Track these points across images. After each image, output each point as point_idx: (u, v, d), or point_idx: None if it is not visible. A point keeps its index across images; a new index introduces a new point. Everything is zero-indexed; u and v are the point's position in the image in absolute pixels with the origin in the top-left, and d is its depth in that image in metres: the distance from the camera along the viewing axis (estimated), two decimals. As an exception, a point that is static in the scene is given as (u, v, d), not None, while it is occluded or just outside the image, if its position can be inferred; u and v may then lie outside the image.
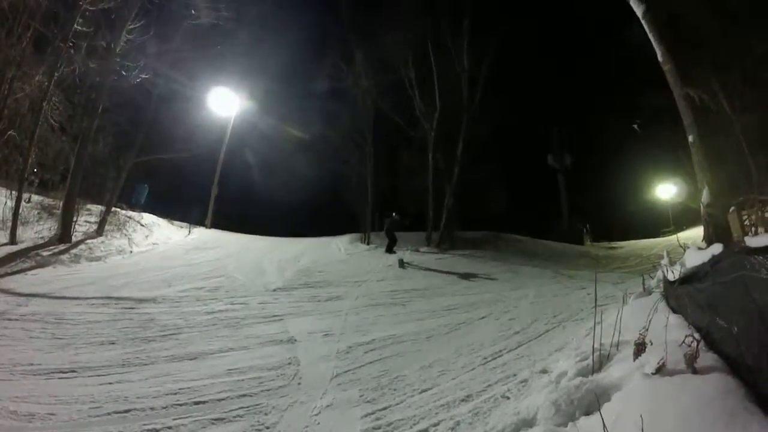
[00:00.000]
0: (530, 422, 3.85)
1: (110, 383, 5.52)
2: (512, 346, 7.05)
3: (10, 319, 7.77)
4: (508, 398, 4.95)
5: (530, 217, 26.09)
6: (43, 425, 4.40)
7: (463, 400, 5.07)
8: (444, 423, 4.58)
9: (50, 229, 15.06)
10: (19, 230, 14.13)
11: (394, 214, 18.85)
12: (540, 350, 6.65)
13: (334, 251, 18.47)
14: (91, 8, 15.31)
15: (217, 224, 22.37)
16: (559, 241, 25.24)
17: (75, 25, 15.14)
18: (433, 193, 22.33)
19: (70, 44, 15.32)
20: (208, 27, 18.83)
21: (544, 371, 5.39)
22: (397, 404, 5.11)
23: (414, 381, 5.73)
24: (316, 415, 4.87)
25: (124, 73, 16.55)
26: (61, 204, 15.61)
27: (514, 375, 5.66)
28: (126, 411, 4.77)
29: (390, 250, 17.60)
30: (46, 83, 15.29)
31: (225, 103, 23.81)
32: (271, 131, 24.97)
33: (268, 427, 4.63)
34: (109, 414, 4.68)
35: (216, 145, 23.69)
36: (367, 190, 22.73)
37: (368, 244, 20.57)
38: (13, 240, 13.71)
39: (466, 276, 13.83)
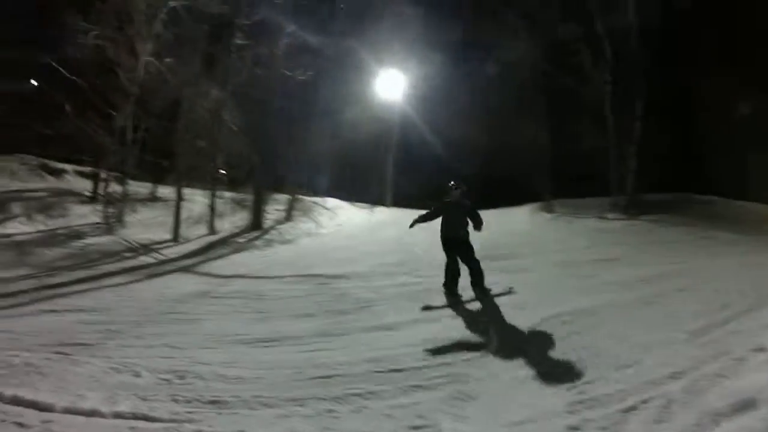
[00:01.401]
0: (752, 403, 3.51)
1: (311, 351, 5.83)
2: (719, 321, 5.98)
3: (215, 297, 8.97)
4: (725, 377, 4.14)
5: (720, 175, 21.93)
6: (252, 387, 4.69)
7: (670, 377, 4.39)
8: (654, 400, 3.96)
9: (243, 220, 17.58)
10: (217, 222, 16.89)
11: (452, 184, 8.94)
12: (751, 326, 5.64)
13: (516, 222, 17.98)
14: (246, 22, 17.92)
15: (396, 203, 23.07)
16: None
17: (235, 40, 17.92)
18: (611, 153, 20.25)
19: (236, 56, 18.05)
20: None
21: (761, 348, 4.65)
22: (598, 379, 4.59)
23: (613, 355, 5.10)
24: (513, 387, 4.56)
25: (289, 73, 18.45)
26: (250, 196, 18.33)
27: (727, 352, 4.74)
28: (328, 376, 4.93)
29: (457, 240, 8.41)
30: (221, 94, 18.08)
31: (393, 85, 24.23)
32: (439, 107, 24.78)
33: (469, 396, 4.43)
34: (312, 378, 4.88)
35: (388, 126, 24.31)
36: (543, 157, 21.46)
37: (550, 213, 19.56)
38: (212, 231, 16.54)
39: (656, 243, 12.94)
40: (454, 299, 7.82)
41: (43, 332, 6.62)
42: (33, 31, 17.99)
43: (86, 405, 4.11)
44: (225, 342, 6.23)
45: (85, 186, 20.51)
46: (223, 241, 15.12)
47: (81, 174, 22.19)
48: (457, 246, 8.22)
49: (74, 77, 17.56)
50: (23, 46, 18.03)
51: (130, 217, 17.17)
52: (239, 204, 18.65)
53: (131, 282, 10.62)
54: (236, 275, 10.89)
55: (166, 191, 19.45)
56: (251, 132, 18.99)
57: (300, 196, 19.73)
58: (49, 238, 15.46)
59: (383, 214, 20.48)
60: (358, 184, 22.99)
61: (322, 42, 19.59)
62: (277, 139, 19.45)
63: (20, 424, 3.77)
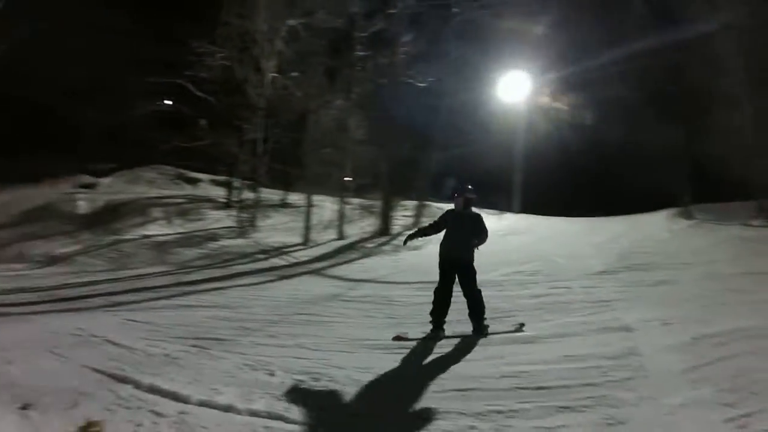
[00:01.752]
0: None
1: (446, 362, 5.57)
2: None
3: (345, 300, 9.17)
4: None
5: None
6: (388, 396, 4.54)
7: None
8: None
9: (371, 225, 18.23)
10: (345, 227, 17.62)
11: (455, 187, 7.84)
12: None
13: (654, 230, 16.68)
14: (363, 34, 18.89)
15: (524, 208, 22.37)
16: None
17: (355, 52, 18.97)
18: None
19: (358, 68, 19.13)
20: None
21: None
22: (761, 411, 3.86)
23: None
24: (669, 414, 3.96)
25: (410, 81, 18.92)
26: (378, 202, 18.96)
27: None
28: (467, 390, 4.61)
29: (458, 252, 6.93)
30: (346, 104, 19.28)
31: (517, 87, 23.51)
32: (568, 108, 23.72)
33: (621, 422, 3.91)
34: (451, 391, 4.59)
35: (512, 130, 23.64)
36: (680, 156, 19.61)
37: (690, 219, 17.84)
38: (341, 235, 17.29)
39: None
40: (441, 333, 6.58)
41: (181, 325, 7.05)
42: (166, 53, 19.61)
43: (222, 400, 4.17)
44: (358, 346, 6.17)
45: (219, 193, 22.16)
46: (352, 246, 15.78)
47: (215, 182, 24.14)
48: (458, 268, 6.70)
49: (206, 95, 19.30)
50: (169, 68, 19.76)
51: (262, 222, 18.19)
52: (367, 210, 19.20)
53: (264, 282, 11.11)
54: (365, 279, 11.18)
55: (295, 198, 20.42)
56: (377, 139, 19.34)
57: (427, 202, 19.80)
58: (187, 240, 16.83)
59: (511, 220, 19.89)
60: (485, 190, 22.57)
61: (440, 48, 19.85)
62: (402, 146, 19.62)
63: (156, 413, 3.90)
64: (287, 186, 21.83)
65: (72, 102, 24.95)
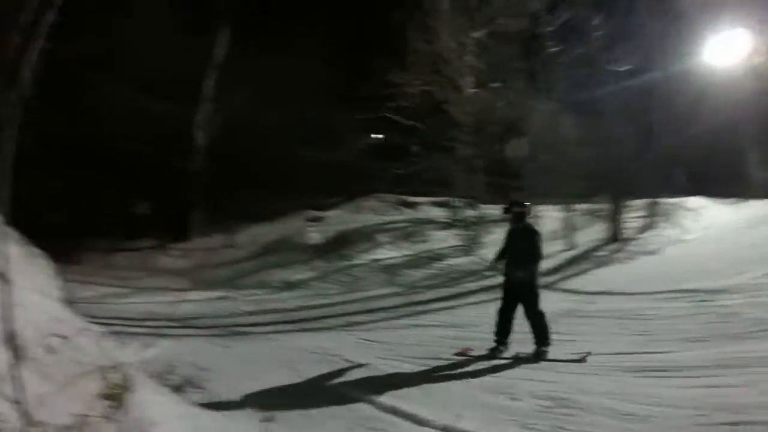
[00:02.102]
0: None
1: (708, 386, 4.71)
2: None
3: (583, 316, 8.47)
4: None
5: None
6: (647, 428, 3.93)
7: None
8: None
9: (600, 231, 16.90)
10: (573, 236, 16.69)
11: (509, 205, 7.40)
12: None
13: None
14: (550, 29, 18.12)
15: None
16: None
17: (548, 50, 18.20)
18: None
19: (554, 64, 18.18)
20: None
21: None
22: None
23: None
24: None
25: (612, 68, 17.47)
26: (605, 206, 17.58)
27: None
28: (735, 423, 3.82)
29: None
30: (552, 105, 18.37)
31: (730, 48, 19.75)
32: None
33: None
34: (717, 425, 3.83)
35: (735, 100, 20.06)
36: None
37: None
38: (569, 246, 16.31)
39: None
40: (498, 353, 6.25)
41: (415, 345, 7.07)
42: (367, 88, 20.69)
43: (464, 425, 4.00)
44: (606, 368, 5.56)
45: (440, 214, 22.65)
46: (583, 256, 14.87)
47: (435, 204, 24.70)
48: (518, 289, 6.36)
49: (412, 122, 20.23)
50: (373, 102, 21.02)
51: (485, 238, 18.09)
52: (594, 215, 17.96)
53: (493, 300, 10.82)
54: (601, 292, 10.26)
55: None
56: (593, 137, 18.11)
57: (658, 200, 17.88)
58: (414, 261, 17.40)
59: (750, 209, 17.21)
60: (715, 176, 19.69)
61: (635, 24, 17.72)
62: (620, 141, 18.02)
63: None
64: (507, 199, 21.42)
65: (293, 144, 28.13)
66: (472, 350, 6.47)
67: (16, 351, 2.41)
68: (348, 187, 31.25)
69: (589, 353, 5.95)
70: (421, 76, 19.54)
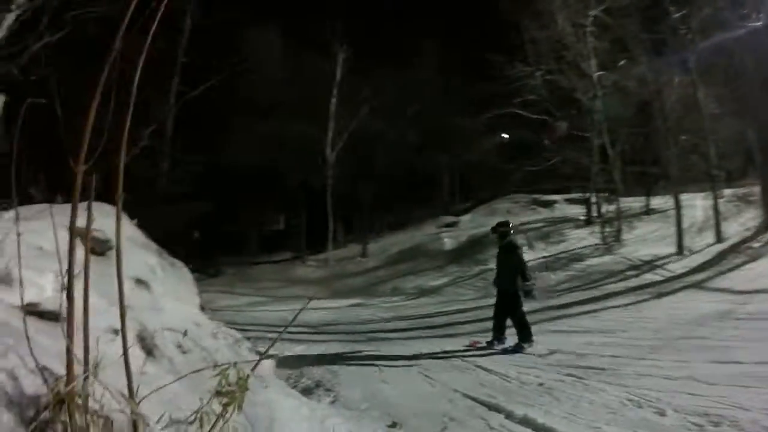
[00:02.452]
0: None
1: None
2: None
3: (739, 318, 7.57)
4: None
5: None
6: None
7: None
8: None
9: (753, 219, 15.11)
10: (723, 226, 15.05)
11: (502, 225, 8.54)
12: None
13: None
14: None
15: None
16: None
17: (672, 15, 16.39)
18: None
19: (682, 31, 16.40)
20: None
21: None
22: None
23: None
24: None
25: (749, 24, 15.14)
26: (757, 189, 15.79)
27: None
28: None
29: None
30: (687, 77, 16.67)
31: None
32: None
33: None
34: None
35: None
36: None
37: None
38: (718, 237, 14.78)
39: None
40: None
41: (553, 353, 6.73)
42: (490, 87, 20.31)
43: None
44: (763, 380, 4.79)
45: (577, 211, 21.66)
46: (734, 249, 13.27)
47: (571, 201, 23.86)
48: (505, 296, 7.85)
49: (540, 116, 19.76)
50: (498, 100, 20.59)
51: (627, 235, 16.98)
52: (744, 200, 16.07)
53: (637, 302, 10.18)
54: (759, 290, 9.14)
55: (659, 201, 18.59)
56: (740, 109, 16.21)
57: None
58: (551, 263, 16.75)
59: None
60: None
61: None
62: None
63: None
64: (648, 190, 19.99)
65: (420, 152, 28.35)
66: (479, 342, 7.76)
67: (149, 350, 2.60)
68: (480, 190, 31.14)
69: (556, 350, 6.52)
70: (542, 66, 18.88)
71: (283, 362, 7.60)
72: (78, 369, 1.45)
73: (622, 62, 17.69)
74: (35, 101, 1.68)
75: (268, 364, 6.53)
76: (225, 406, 1.87)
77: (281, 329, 11.28)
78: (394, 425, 4.17)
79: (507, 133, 23.91)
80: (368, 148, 26.36)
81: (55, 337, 1.60)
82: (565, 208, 24.03)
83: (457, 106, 26.21)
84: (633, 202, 19.46)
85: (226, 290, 20.88)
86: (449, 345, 7.98)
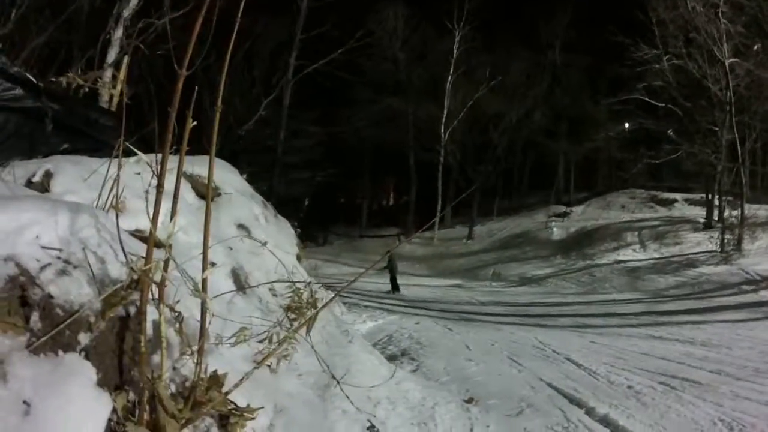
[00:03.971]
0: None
1: None
2: None
3: None
4: None
5: None
6: None
7: None
8: None
9: None
10: None
11: None
12: None
13: None
14: None
15: None
16: None
17: None
18: None
19: None
20: None
21: None
22: None
23: None
24: None
25: None
26: None
27: None
28: None
29: None
30: None
31: None
32: None
33: None
34: None
35: None
36: None
37: None
38: None
39: None
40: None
41: (650, 357, 6.37)
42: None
43: None
44: None
45: (696, 213, 20.23)
46: None
47: (691, 202, 22.34)
48: None
49: (665, 104, 17.96)
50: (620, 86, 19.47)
51: (748, 245, 15.50)
52: None
53: (749, 320, 9.34)
54: None
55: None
56: None
57: None
58: (662, 266, 15.81)
59: None
60: None
61: None
62: None
63: None
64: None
65: (538, 137, 27.58)
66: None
67: (241, 285, 2.81)
68: (597, 181, 29.95)
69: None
70: (670, 49, 17.34)
71: (375, 329, 7.86)
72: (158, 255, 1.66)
73: (757, 47, 15.90)
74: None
75: (360, 327, 6.82)
76: (292, 321, 1.98)
77: (379, 300, 11.67)
78: (470, 401, 4.20)
79: (629, 122, 22.53)
80: (485, 129, 26.11)
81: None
82: (685, 208, 22.47)
83: (580, 90, 25.24)
84: (759, 209, 17.64)
85: (332, 259, 21.66)
86: (544, 336, 7.81)
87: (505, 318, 10.02)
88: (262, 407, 1.88)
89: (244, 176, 4.64)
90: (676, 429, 3.85)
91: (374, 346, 5.35)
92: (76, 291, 1.52)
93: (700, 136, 17.45)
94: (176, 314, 1.68)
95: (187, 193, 3.32)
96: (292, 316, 1.99)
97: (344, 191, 33.74)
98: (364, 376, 3.40)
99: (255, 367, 1.81)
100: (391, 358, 5.54)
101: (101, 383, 1.49)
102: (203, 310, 1.67)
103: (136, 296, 1.63)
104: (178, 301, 1.69)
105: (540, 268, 18.78)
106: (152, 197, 2.15)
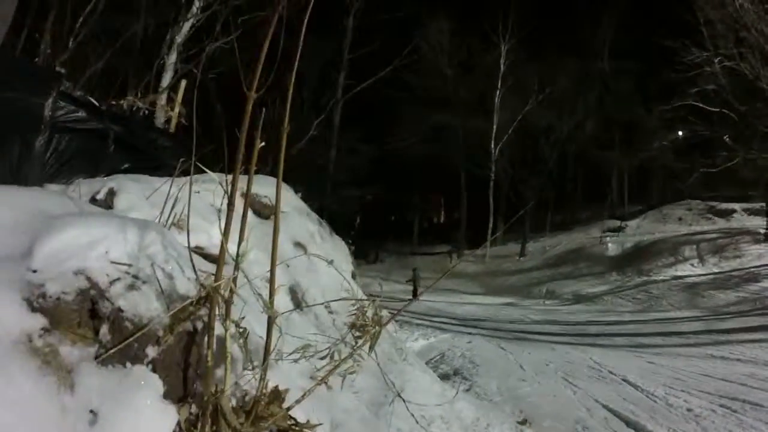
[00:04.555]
0: None
1: None
2: None
3: None
4: None
5: None
6: None
7: None
8: None
9: None
10: None
11: None
12: None
13: None
14: None
15: None
16: None
17: None
18: None
19: None
20: None
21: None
22: None
23: None
24: None
25: None
26: None
27: None
28: None
29: None
30: None
31: None
32: None
33: None
34: None
35: None
36: None
37: None
38: None
39: None
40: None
41: (710, 378, 6.17)
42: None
43: None
44: None
45: (757, 224, 19.46)
46: None
47: (751, 212, 21.52)
48: None
49: (720, 109, 17.22)
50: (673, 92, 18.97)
51: (815, 257, 14.79)
52: None
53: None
54: None
55: None
56: None
57: None
58: (722, 281, 15.21)
59: None
60: None
61: None
62: None
63: None
64: None
65: (590, 149, 27.05)
66: None
67: (298, 302, 2.94)
68: (652, 193, 29.11)
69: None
70: (721, 50, 16.52)
71: (427, 347, 7.89)
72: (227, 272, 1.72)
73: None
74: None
75: (412, 345, 6.88)
76: (357, 338, 2.07)
77: (431, 318, 11.66)
78: (524, 422, 4.17)
79: (683, 130, 21.82)
80: (535, 142, 25.88)
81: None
82: (744, 219, 21.62)
83: (631, 97, 24.71)
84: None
85: (383, 276, 21.71)
86: (599, 356, 7.67)
87: (560, 337, 9.83)
88: (321, 423, 1.92)
89: (299, 195, 4.76)
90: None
91: (426, 364, 5.40)
92: (144, 305, 1.59)
93: (757, 141, 16.69)
94: (241, 330, 1.73)
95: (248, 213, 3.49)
96: (357, 333, 2.07)
97: (395, 208, 33.89)
98: (418, 394, 3.45)
99: (317, 383, 1.86)
100: (444, 377, 5.55)
101: (167, 396, 1.55)
102: (269, 327, 1.73)
103: (204, 312, 1.69)
104: (243, 318, 1.74)
105: (594, 286, 18.30)
106: (209, 214, 2.29)
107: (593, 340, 9.64)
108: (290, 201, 4.28)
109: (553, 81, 24.67)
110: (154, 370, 1.55)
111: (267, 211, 3.62)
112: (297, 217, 4.08)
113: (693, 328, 10.42)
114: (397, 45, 22.32)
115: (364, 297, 4.18)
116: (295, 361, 1.96)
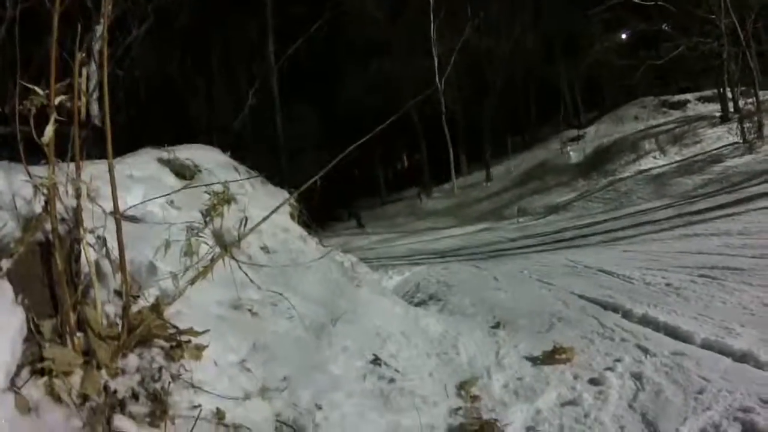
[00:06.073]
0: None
1: None
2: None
3: None
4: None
5: None
6: None
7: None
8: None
9: None
10: None
11: None
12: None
13: None
14: None
15: None
16: None
17: None
18: None
19: None
20: None
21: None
22: None
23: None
24: None
25: None
26: None
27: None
28: None
29: None
30: None
31: None
32: None
33: None
34: None
35: None
36: None
37: None
38: None
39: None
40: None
41: (686, 254, 6.10)
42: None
43: (736, 344, 2.97)
44: None
45: (711, 109, 19.63)
46: None
47: (704, 99, 21.84)
48: None
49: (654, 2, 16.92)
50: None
51: (770, 129, 14.90)
52: None
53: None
54: None
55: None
56: None
57: None
58: (686, 167, 15.42)
59: None
60: None
61: None
62: None
63: (643, 349, 3.11)
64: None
65: (540, 63, 26.76)
66: None
67: (224, 246, 2.69)
68: (604, 97, 29.19)
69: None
70: None
71: (402, 282, 7.70)
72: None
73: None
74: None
75: (387, 284, 6.75)
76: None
77: (408, 258, 11.49)
78: (497, 325, 4.04)
79: (624, 31, 21.66)
80: (479, 69, 25.52)
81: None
82: (699, 107, 21.86)
83: (566, 7, 24.42)
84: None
85: (359, 232, 21.57)
86: (574, 255, 7.58)
87: (535, 248, 9.88)
88: (208, 330, 1.82)
89: (228, 153, 4.57)
90: (722, 316, 3.54)
91: (402, 298, 5.19)
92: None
93: (697, 27, 16.60)
94: (99, 239, 1.72)
95: (166, 176, 3.36)
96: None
97: (358, 165, 33.49)
98: (374, 316, 3.23)
99: (189, 283, 1.85)
100: (421, 304, 5.40)
101: (18, 301, 1.61)
102: (119, 229, 1.68)
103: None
104: (102, 227, 1.73)
105: (564, 195, 18.49)
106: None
107: (568, 243, 9.73)
108: (216, 160, 4.19)
109: (485, 4, 24.18)
110: (11, 282, 1.62)
111: (187, 172, 3.64)
112: (222, 171, 3.96)
113: (665, 215, 10.55)
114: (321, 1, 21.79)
115: (303, 233, 3.97)
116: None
